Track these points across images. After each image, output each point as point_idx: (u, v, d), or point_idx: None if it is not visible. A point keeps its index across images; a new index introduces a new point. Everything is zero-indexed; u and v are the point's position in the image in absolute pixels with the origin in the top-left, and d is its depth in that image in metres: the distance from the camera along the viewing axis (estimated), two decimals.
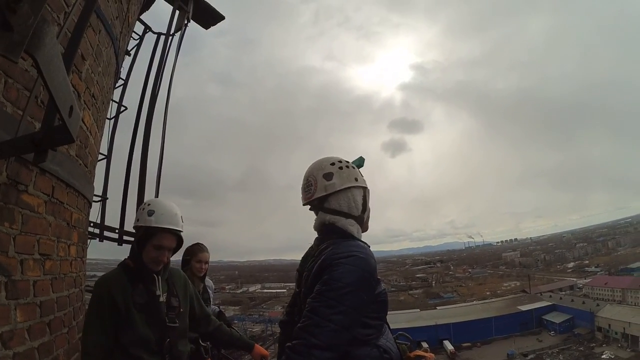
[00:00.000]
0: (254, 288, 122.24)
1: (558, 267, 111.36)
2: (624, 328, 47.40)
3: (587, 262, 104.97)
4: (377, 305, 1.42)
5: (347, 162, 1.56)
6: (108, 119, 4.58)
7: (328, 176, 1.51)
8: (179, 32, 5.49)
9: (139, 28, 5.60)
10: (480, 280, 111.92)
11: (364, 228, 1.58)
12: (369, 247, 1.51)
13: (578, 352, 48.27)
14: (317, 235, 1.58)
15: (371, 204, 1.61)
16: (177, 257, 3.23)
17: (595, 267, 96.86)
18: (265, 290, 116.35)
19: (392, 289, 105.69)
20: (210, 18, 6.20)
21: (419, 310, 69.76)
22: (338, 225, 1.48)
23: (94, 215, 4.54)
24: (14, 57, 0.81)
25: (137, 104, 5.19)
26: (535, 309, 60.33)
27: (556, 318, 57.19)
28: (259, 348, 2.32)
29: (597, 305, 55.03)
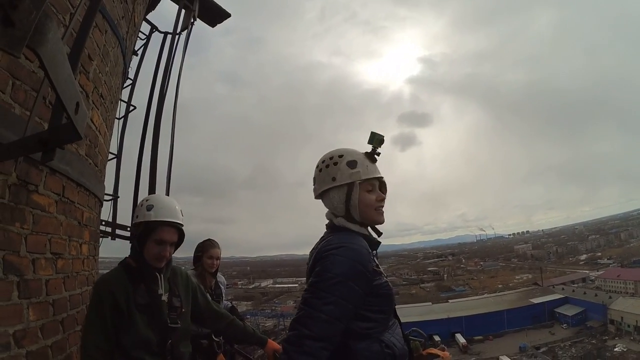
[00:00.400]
0: (266, 283, 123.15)
1: (570, 259, 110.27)
2: (636, 321, 46.88)
3: (599, 254, 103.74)
4: (378, 298, 1.38)
5: (333, 157, 1.50)
6: (117, 118, 4.61)
7: (314, 181, 1.57)
8: (186, 31, 5.48)
9: (145, 28, 5.61)
10: (492, 273, 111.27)
11: (366, 220, 1.49)
12: (372, 238, 1.50)
13: (590, 345, 47.82)
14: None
15: None
16: (186, 254, 3.26)
17: (608, 259, 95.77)
18: (277, 285, 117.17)
19: (404, 282, 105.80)
20: (216, 16, 6.17)
21: (430, 303, 69.78)
22: (334, 222, 1.51)
23: (106, 213, 4.58)
24: (16, 53, 0.80)
25: (146, 104, 5.21)
26: (547, 301, 59.86)
27: (568, 311, 56.66)
28: (272, 343, 2.30)
29: (610, 297, 54.41)
